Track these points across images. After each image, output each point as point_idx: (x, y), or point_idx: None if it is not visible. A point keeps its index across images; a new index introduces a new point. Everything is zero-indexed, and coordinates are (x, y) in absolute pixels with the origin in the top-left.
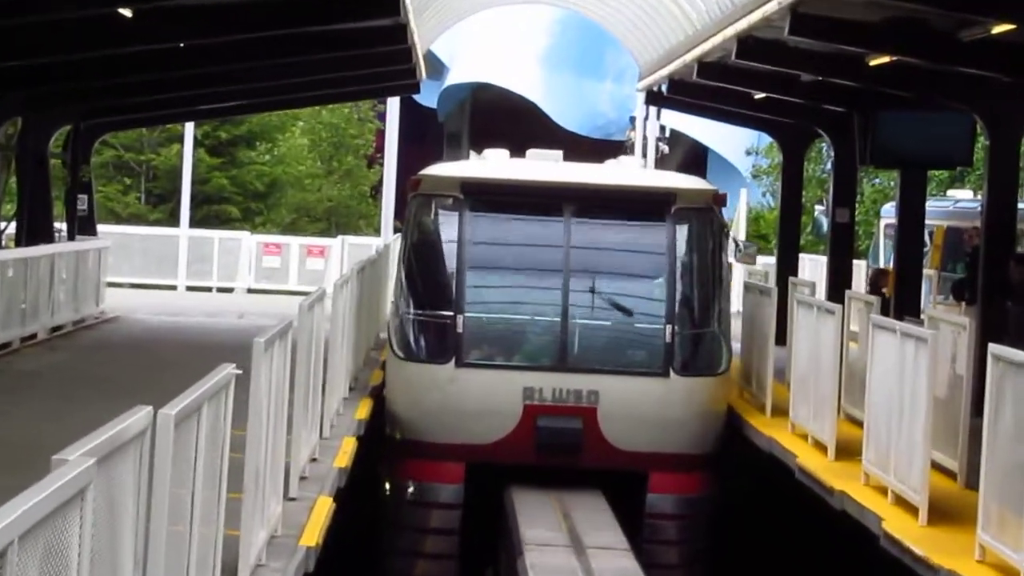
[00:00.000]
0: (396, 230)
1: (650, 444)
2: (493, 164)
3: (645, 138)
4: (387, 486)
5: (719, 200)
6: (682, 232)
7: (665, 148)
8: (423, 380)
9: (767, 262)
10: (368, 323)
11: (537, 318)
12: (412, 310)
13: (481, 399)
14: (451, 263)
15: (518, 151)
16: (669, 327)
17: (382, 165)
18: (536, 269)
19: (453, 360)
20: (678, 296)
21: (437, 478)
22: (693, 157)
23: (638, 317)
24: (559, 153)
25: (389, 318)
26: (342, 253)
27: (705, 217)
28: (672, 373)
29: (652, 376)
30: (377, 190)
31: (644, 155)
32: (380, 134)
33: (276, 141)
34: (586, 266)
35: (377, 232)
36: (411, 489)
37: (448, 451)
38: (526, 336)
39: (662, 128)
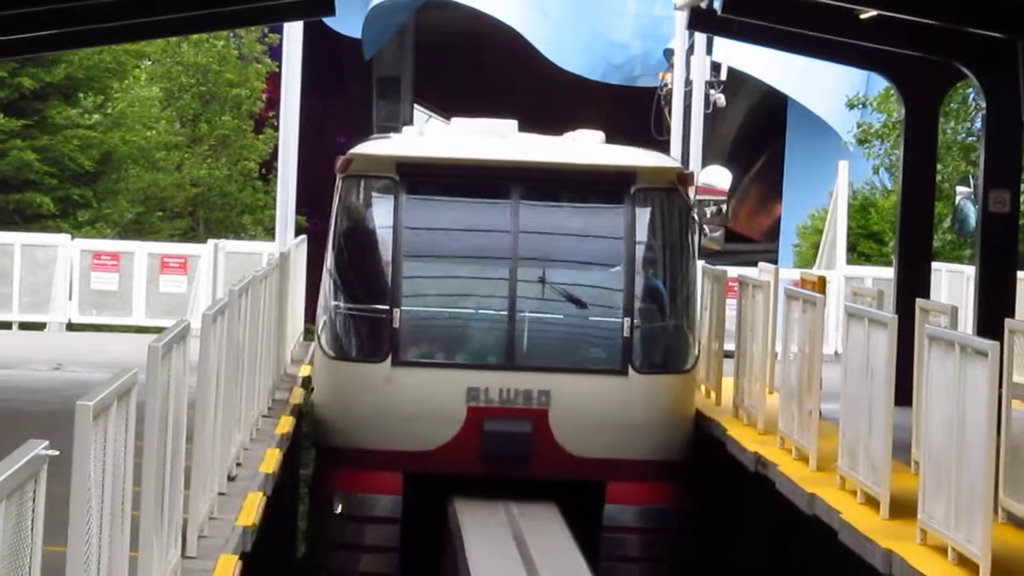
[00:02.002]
0: (302, 229)
1: (607, 450)
2: (433, 140)
3: (689, 83)
4: (315, 500)
5: (684, 179)
6: (643, 215)
7: (720, 99)
8: (356, 380)
9: (881, 275)
10: (260, 371)
11: (482, 311)
12: (343, 304)
13: (420, 401)
14: (386, 251)
15: (489, 109)
16: (628, 320)
17: (276, 128)
18: (481, 257)
19: (389, 358)
20: (638, 286)
21: (372, 489)
22: (765, 111)
23: (594, 309)
24: (513, 123)
25: (318, 312)
26: (215, 266)
27: (668, 198)
28: (631, 371)
29: (609, 374)
30: (269, 167)
31: (687, 109)
32: (274, 80)
33: (110, 92)
34: (536, 254)
35: (270, 233)
36: (339, 503)
37: (384, 459)
38: (470, 331)
39: (716, 67)
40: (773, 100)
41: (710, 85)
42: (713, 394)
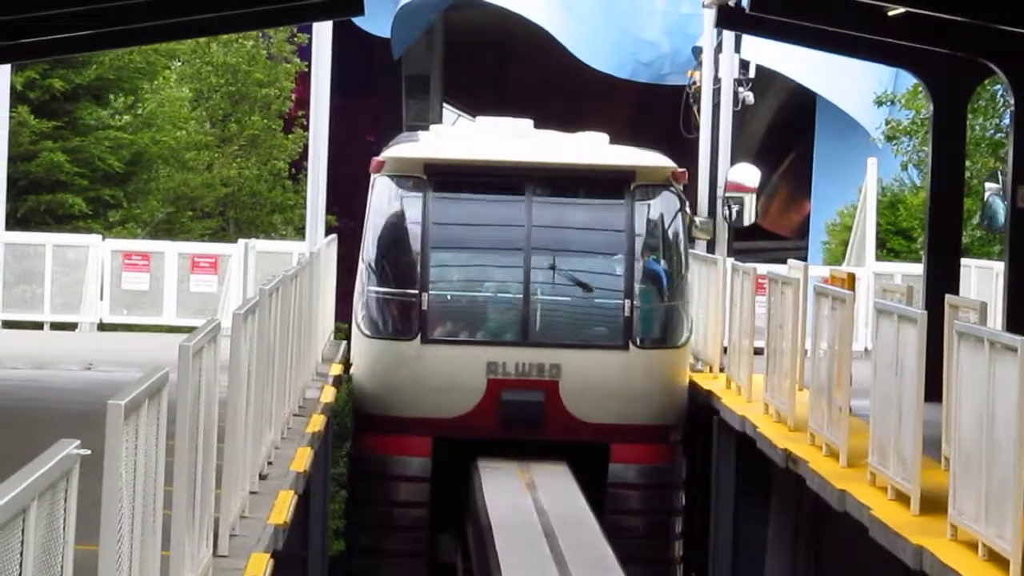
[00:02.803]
0: (332, 229)
1: (611, 415)
2: (456, 143)
3: (717, 80)
4: (353, 461)
5: (678, 177)
6: (641, 209)
7: (749, 96)
8: (389, 356)
9: (910, 271)
10: (291, 370)
11: (500, 295)
12: (378, 288)
13: (446, 374)
14: (415, 242)
15: (517, 108)
16: (628, 302)
17: (306, 128)
18: (498, 247)
19: (419, 337)
20: (637, 272)
21: (404, 451)
22: (793, 108)
23: (598, 292)
24: (528, 123)
25: (355, 297)
26: (245, 266)
27: (664, 194)
28: (631, 346)
29: (612, 349)
30: (298, 167)
31: (715, 106)
32: (303, 80)
33: (141, 93)
34: (547, 244)
35: (300, 233)
36: (376, 464)
37: (415, 425)
38: (489, 312)
39: (744, 65)
40: (801, 97)
41: (738, 83)
42: (744, 390)
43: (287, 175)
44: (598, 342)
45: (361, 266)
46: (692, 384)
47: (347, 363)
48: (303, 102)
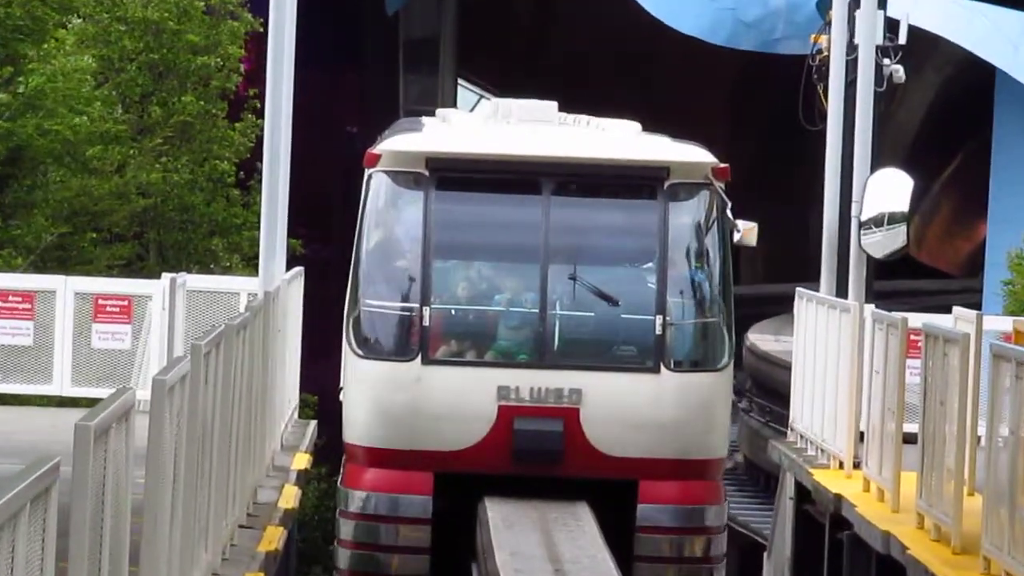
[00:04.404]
0: (296, 258)
1: (640, 449)
2: (464, 132)
3: (853, 49)
4: (344, 500)
5: (720, 173)
6: (676, 211)
7: (899, 71)
8: (385, 379)
9: None
10: (237, 462)
11: (513, 309)
12: (372, 301)
13: (450, 400)
14: (416, 248)
15: (559, 86)
16: (660, 318)
17: (260, 115)
18: (511, 254)
19: (419, 357)
20: (671, 283)
21: (402, 489)
22: (962, 91)
23: (626, 307)
24: (552, 106)
25: (346, 310)
26: (172, 311)
27: (703, 193)
28: (663, 369)
29: (641, 372)
30: (249, 170)
31: (850, 84)
32: (256, 45)
33: (23, 63)
34: (567, 250)
35: (251, 264)
36: (369, 503)
37: (415, 459)
38: (500, 329)
39: (892, 27)
40: (975, 74)
41: (884, 52)
42: (888, 495)
43: (233, 181)
44: (625, 364)
45: (353, 276)
46: (809, 486)
47: (315, 452)
48: (256, 76)
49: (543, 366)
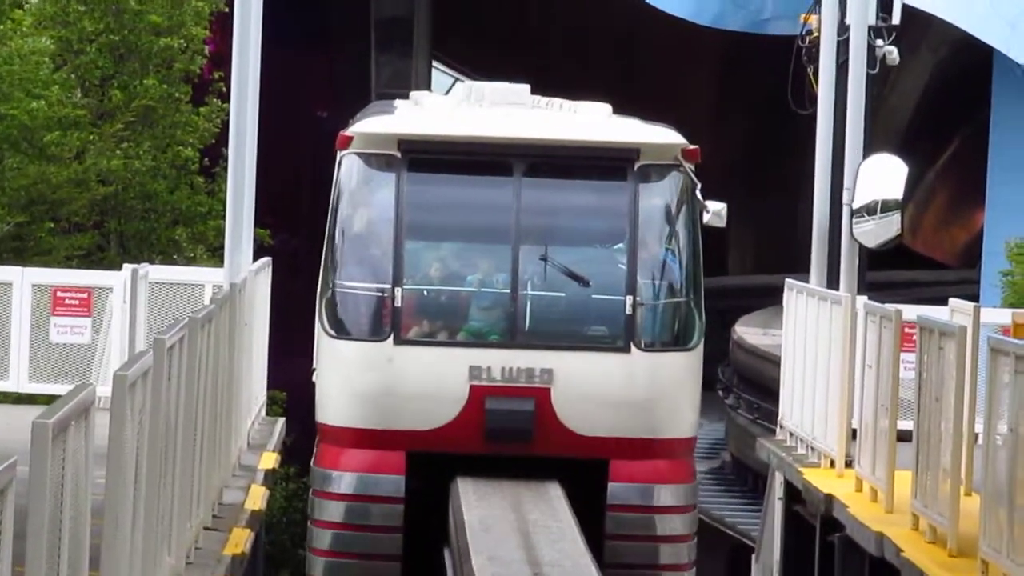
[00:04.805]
0: (265, 249)
1: (610, 428)
2: (436, 114)
3: (845, 27)
4: (317, 480)
5: (690, 155)
6: (646, 192)
7: (892, 52)
8: (358, 359)
9: None
10: (201, 462)
11: (484, 290)
12: (344, 282)
13: (423, 380)
14: (388, 229)
15: (540, 69)
16: (630, 298)
17: (226, 99)
18: (483, 235)
19: (391, 337)
20: (641, 263)
21: (375, 468)
22: (958, 73)
23: (596, 287)
24: (524, 88)
25: (319, 291)
26: (133, 304)
27: (673, 175)
28: (634, 348)
29: (612, 352)
30: (215, 156)
31: (841, 68)
32: (221, 26)
33: None
34: (538, 231)
35: (216, 255)
36: (341, 483)
37: (387, 439)
38: (472, 310)
39: (885, 6)
40: (971, 55)
41: (876, 32)
42: (882, 495)
43: (197, 168)
44: (596, 344)
45: (325, 257)
46: (799, 486)
47: (283, 451)
48: (222, 59)
49: (514, 346)
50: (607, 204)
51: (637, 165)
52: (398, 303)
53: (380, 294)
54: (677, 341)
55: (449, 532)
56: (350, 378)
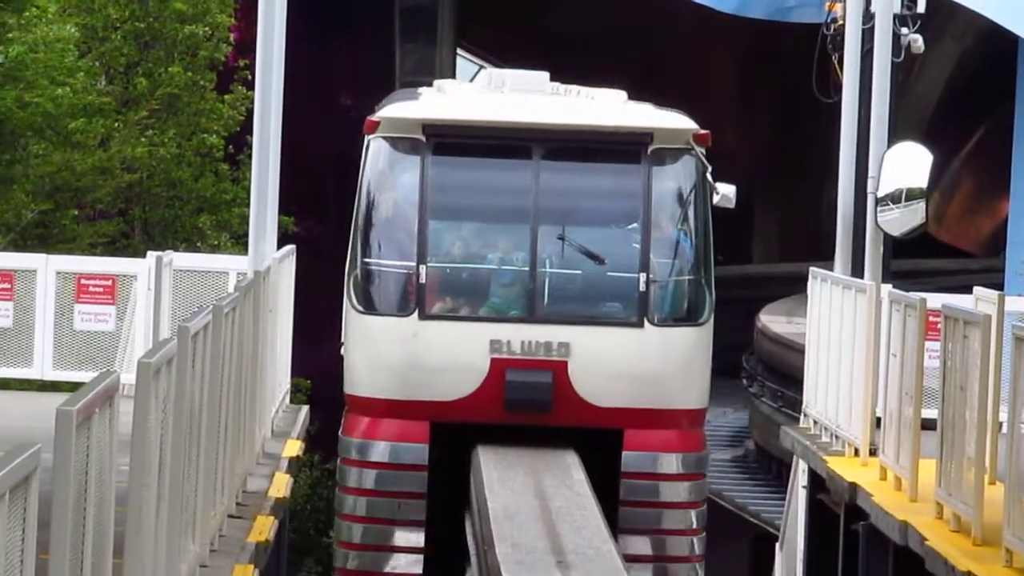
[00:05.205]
0: (289, 237)
1: (625, 399)
2: (458, 101)
3: (870, 15)
4: (346, 449)
5: (701, 139)
6: (659, 174)
7: (917, 41)
8: (384, 333)
9: None
10: (225, 450)
11: (504, 267)
12: (371, 260)
13: (446, 353)
14: (413, 210)
15: (563, 57)
16: (644, 275)
17: (251, 87)
18: (503, 216)
19: (416, 312)
20: (654, 242)
21: (400, 437)
22: (983, 62)
23: (611, 265)
24: (544, 76)
25: (347, 269)
26: (158, 292)
27: (684, 158)
28: (647, 323)
29: (626, 327)
30: (240, 144)
31: (866, 57)
32: (246, 14)
33: (3, 31)
34: (556, 212)
35: (240, 242)
36: (368, 451)
37: (412, 409)
38: (493, 287)
39: None
40: (996, 43)
41: (901, 21)
42: (906, 483)
43: (222, 156)
44: (611, 319)
45: (353, 236)
46: (823, 474)
47: (307, 438)
48: (247, 46)
49: (533, 321)
50: (622, 186)
51: (650, 149)
52: (423, 280)
53: (405, 271)
54: (688, 317)
55: (469, 499)
56: (377, 351)
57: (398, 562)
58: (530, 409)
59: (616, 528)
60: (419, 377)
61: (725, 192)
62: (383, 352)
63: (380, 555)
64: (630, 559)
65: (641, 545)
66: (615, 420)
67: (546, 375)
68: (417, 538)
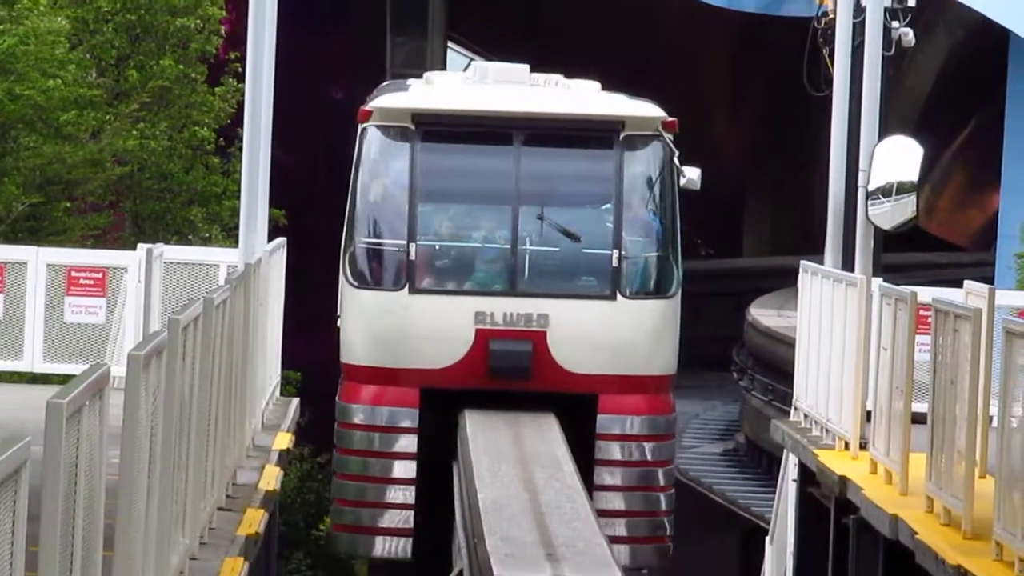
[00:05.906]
0: (278, 229)
1: (599, 366)
2: (445, 91)
3: (861, 9)
4: (342, 413)
5: (669, 126)
6: (630, 159)
7: (908, 34)
8: (377, 306)
9: None
10: (216, 442)
11: (488, 245)
12: (365, 239)
13: (434, 324)
14: (403, 192)
15: (555, 51)
16: (616, 252)
17: (241, 79)
18: (486, 198)
19: (406, 287)
20: (625, 222)
21: (392, 402)
22: (974, 55)
23: (586, 243)
24: (525, 68)
25: (342, 247)
26: (148, 284)
27: (654, 144)
28: (619, 296)
29: (599, 299)
30: (231, 137)
31: (857, 50)
32: (237, 7)
33: None
34: (536, 194)
35: (231, 235)
36: (362, 415)
37: (403, 376)
38: (477, 263)
39: None
40: (987, 37)
41: (892, 14)
42: (896, 477)
43: (213, 148)
44: (586, 292)
45: (348, 217)
46: (813, 468)
47: (297, 431)
48: (238, 39)
49: (515, 294)
50: (596, 170)
51: (622, 135)
52: (412, 257)
53: (396, 249)
54: (657, 290)
55: (456, 455)
56: (370, 323)
57: (392, 518)
58: (512, 376)
59: (591, 486)
60: (409, 347)
61: (691, 175)
62: (376, 324)
63: (375, 511)
64: (604, 514)
65: (616, 501)
66: (590, 386)
67: (526, 344)
68: (408, 495)
